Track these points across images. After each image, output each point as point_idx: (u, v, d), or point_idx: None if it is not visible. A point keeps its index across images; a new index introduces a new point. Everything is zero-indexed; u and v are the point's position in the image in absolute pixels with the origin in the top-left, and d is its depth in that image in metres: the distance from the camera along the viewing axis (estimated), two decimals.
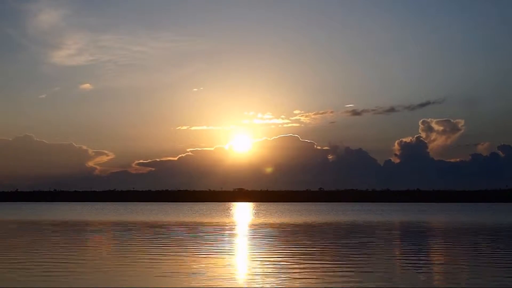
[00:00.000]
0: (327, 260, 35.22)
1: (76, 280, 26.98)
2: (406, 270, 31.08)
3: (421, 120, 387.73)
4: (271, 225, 77.85)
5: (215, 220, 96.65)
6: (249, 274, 29.13)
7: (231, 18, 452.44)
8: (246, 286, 25.17)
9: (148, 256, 37.25)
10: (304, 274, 28.67)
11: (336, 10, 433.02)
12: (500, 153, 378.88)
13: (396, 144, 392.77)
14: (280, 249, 42.79)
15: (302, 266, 32.08)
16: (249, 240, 53.09)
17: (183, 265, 32.52)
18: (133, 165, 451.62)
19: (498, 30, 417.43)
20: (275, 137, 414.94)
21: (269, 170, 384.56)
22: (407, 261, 35.40)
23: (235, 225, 79.23)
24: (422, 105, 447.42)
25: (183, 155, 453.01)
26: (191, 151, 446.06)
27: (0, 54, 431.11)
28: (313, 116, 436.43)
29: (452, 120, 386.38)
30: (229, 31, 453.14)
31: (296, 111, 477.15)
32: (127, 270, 30.33)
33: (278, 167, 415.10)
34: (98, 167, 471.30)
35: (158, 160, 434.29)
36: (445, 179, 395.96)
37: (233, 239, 54.32)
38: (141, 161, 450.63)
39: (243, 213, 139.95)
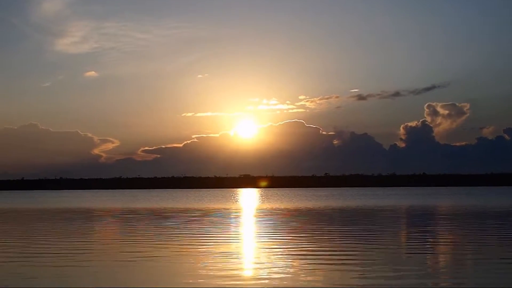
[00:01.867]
0: (333, 246, 35.22)
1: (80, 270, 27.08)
2: (412, 256, 31.05)
3: (426, 104, 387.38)
4: (277, 211, 77.91)
5: (222, 206, 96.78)
6: (256, 263, 29.11)
7: (235, 4, 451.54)
8: (253, 277, 25.15)
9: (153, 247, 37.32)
10: (311, 262, 28.66)
11: None
12: (506, 136, 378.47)
13: (401, 128, 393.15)
14: (287, 234, 42.82)
15: (308, 253, 32.08)
16: (255, 226, 53.16)
17: (189, 252, 32.60)
18: (139, 152, 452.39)
19: (503, 13, 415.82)
20: (281, 123, 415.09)
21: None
22: (414, 247, 35.37)
23: (241, 211, 79.33)
24: (427, 89, 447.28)
25: (188, 141, 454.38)
26: (196, 138, 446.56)
27: (4, 42, 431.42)
28: (318, 101, 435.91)
29: (457, 104, 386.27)
30: (233, 17, 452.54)
31: (302, 97, 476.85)
32: (129, 261, 30.43)
33: (283, 153, 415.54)
34: (103, 154, 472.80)
35: (163, 147, 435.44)
36: (451, 163, 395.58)
37: (240, 225, 54.40)
38: (146, 148, 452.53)
39: (248, 199, 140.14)
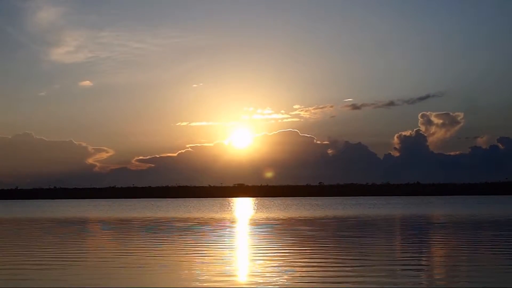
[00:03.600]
0: (327, 255, 35.23)
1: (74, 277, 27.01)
2: (407, 265, 31.06)
3: (420, 114, 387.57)
4: (271, 220, 77.85)
5: (217, 215, 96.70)
6: (251, 272, 29.09)
7: (230, 14, 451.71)
8: (247, 283, 25.14)
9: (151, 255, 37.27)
10: (306, 270, 28.66)
11: (336, 4, 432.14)
12: (500, 145, 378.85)
13: (395, 137, 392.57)
14: (282, 243, 42.80)
15: (303, 261, 32.08)
16: (250, 235, 53.14)
17: (183, 261, 32.57)
18: (133, 161, 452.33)
19: (498, 23, 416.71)
20: (275, 132, 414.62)
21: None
22: (409, 256, 35.42)
23: (236, 220, 79.28)
24: (422, 98, 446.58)
25: (182, 151, 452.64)
26: (191, 147, 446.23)
27: None
28: (313, 111, 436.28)
29: (451, 113, 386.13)
30: (228, 27, 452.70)
31: (296, 106, 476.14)
32: (129, 267, 30.38)
33: (278, 162, 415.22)
34: (98, 164, 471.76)
35: (157, 156, 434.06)
36: (445, 172, 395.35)
37: (234, 234, 54.37)
38: (140, 157, 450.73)
39: (243, 208, 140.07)
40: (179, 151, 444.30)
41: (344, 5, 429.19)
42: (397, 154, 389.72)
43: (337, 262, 31.16)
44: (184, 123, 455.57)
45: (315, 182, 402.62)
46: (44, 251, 39.69)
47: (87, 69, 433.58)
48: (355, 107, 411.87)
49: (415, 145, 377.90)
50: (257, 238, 49.04)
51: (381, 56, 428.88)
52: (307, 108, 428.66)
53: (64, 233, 57.74)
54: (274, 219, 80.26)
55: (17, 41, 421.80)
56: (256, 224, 69.92)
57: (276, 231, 57.32)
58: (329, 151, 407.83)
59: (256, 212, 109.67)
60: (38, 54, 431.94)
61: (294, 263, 30.92)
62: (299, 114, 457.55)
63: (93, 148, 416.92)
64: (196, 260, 33.03)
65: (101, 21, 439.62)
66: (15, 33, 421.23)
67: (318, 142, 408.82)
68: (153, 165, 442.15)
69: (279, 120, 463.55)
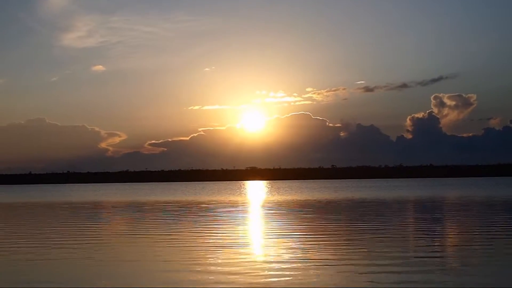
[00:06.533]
0: (341, 239, 35.24)
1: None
2: (419, 249, 31.00)
3: (433, 96, 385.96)
4: (284, 203, 77.94)
5: (230, 198, 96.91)
6: (262, 256, 29.14)
7: None
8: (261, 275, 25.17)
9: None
10: (319, 254, 28.69)
11: None
12: None
13: (408, 120, 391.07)
14: (295, 227, 42.89)
15: (317, 245, 32.11)
16: (264, 219, 53.25)
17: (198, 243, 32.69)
18: (146, 145, 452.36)
19: (510, 4, 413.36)
20: (287, 115, 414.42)
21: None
22: (422, 240, 35.35)
23: (249, 204, 79.40)
24: (434, 80, 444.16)
25: (195, 134, 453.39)
26: (203, 131, 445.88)
27: (11, 38, 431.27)
28: (325, 94, 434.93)
29: (464, 95, 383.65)
30: (240, 10, 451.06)
31: (309, 89, 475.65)
32: (141, 250, 30.52)
33: (290, 145, 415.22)
34: (110, 148, 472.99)
35: (170, 140, 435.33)
36: (458, 154, 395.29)
37: (247, 217, 54.50)
38: (153, 141, 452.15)
39: (256, 191, 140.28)
40: (192, 135, 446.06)
41: None
42: (409, 136, 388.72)
43: (348, 248, 31.16)
44: (196, 107, 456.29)
45: (327, 165, 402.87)
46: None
47: (99, 54, 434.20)
48: (367, 89, 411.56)
49: (427, 127, 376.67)
50: (268, 221, 49.18)
51: (393, 38, 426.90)
52: (319, 91, 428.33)
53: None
54: (287, 202, 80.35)
55: (29, 26, 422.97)
56: (268, 207, 70.08)
57: (287, 214, 57.39)
58: (342, 134, 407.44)
59: (268, 195, 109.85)
60: (49, 40, 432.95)
61: (305, 250, 30.94)
62: (311, 97, 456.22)
63: (105, 133, 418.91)
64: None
65: (112, 6, 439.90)
66: (26, 19, 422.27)
67: (331, 125, 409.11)
68: (165, 149, 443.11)
69: (292, 103, 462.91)
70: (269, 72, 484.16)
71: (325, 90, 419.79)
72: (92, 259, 27.71)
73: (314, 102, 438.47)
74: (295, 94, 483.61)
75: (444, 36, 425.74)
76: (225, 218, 52.75)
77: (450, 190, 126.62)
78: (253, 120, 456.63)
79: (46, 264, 26.76)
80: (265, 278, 22.05)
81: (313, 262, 25.57)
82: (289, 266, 24.66)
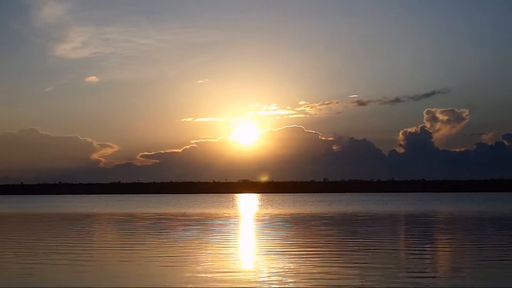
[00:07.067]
0: (331, 252, 35.24)
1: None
2: (411, 263, 31.05)
3: (425, 110, 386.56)
4: (276, 216, 77.87)
5: (221, 211, 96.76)
6: (254, 269, 29.12)
7: (235, 9, 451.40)
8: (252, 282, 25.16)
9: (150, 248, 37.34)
10: (309, 267, 28.68)
11: (342, 0, 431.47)
12: (505, 142, 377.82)
13: (400, 134, 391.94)
14: (286, 240, 42.85)
15: (306, 257, 32.11)
16: (254, 231, 53.18)
17: (189, 256, 32.62)
18: (138, 157, 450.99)
19: (504, 20, 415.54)
20: (280, 128, 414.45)
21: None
22: (412, 254, 35.39)
23: (240, 217, 79.31)
24: (427, 95, 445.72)
25: (187, 146, 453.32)
26: (196, 143, 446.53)
27: (5, 48, 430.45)
28: (318, 107, 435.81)
29: (456, 110, 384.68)
30: (234, 23, 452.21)
31: (302, 102, 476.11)
32: (131, 264, 30.44)
33: (283, 159, 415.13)
34: (102, 159, 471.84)
35: (162, 152, 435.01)
36: (450, 169, 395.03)
37: (238, 230, 54.43)
38: (145, 153, 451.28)
39: (248, 204, 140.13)
40: (184, 147, 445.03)
41: (350, 1, 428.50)
42: (402, 150, 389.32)
43: (341, 259, 31.16)
44: (189, 119, 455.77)
45: (320, 178, 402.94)
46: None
47: (93, 65, 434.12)
48: (360, 103, 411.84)
49: (420, 141, 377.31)
50: (259, 234, 49.13)
51: (387, 52, 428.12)
52: (312, 104, 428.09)
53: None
54: (278, 215, 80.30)
55: (23, 37, 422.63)
56: (260, 220, 70.01)
57: (278, 227, 57.35)
58: (334, 147, 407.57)
59: (260, 208, 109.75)
60: (43, 50, 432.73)
61: (295, 261, 30.94)
62: (304, 110, 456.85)
63: (98, 144, 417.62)
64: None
65: (106, 17, 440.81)
66: (21, 29, 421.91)
67: (323, 138, 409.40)
68: (157, 160, 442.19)
69: (285, 116, 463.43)
70: (262, 85, 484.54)
71: (318, 104, 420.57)
72: (77, 272, 27.66)
73: (307, 116, 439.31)
74: (288, 107, 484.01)
75: (437, 51, 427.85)
76: (215, 232, 52.65)
77: (442, 205, 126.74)
78: (246, 133, 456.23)
79: (32, 275, 26.71)
80: None
81: (302, 276, 25.56)
82: (278, 278, 24.65)
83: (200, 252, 34.94)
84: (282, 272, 26.42)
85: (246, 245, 40.04)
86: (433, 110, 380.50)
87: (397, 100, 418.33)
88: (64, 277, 25.70)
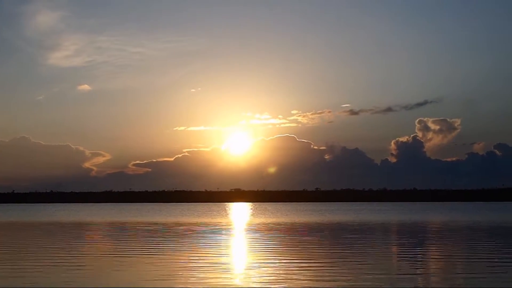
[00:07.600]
0: (322, 261, 35.23)
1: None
2: (402, 270, 31.08)
3: (417, 120, 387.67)
4: (268, 225, 77.83)
5: (213, 220, 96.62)
6: (245, 276, 29.10)
7: (228, 18, 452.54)
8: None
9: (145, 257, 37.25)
10: (300, 275, 28.67)
11: (334, 10, 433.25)
12: (497, 152, 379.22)
13: (392, 143, 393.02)
14: (277, 249, 42.82)
15: (298, 266, 32.09)
16: (246, 240, 53.13)
17: (179, 265, 32.58)
18: (130, 166, 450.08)
19: (498, 31, 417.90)
20: (272, 138, 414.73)
21: (271, 170, 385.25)
22: (404, 262, 35.42)
23: (232, 226, 79.22)
24: (419, 104, 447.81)
25: (179, 155, 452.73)
26: (188, 152, 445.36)
27: None
28: (310, 116, 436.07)
29: (448, 120, 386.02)
30: (226, 31, 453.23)
31: (294, 111, 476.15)
32: (124, 271, 30.37)
33: (275, 168, 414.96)
34: (94, 168, 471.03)
35: (154, 160, 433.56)
36: (442, 178, 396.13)
37: (230, 239, 54.36)
38: (137, 162, 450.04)
39: (240, 213, 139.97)
40: (176, 156, 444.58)
41: (343, 11, 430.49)
42: (394, 160, 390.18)
43: (331, 270, 31.17)
44: (181, 128, 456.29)
45: (312, 187, 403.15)
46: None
47: (85, 73, 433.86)
48: (352, 112, 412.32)
49: (412, 151, 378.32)
50: (251, 243, 49.09)
51: (379, 62, 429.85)
52: (304, 114, 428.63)
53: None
54: (270, 225, 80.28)
55: (15, 45, 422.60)
56: (251, 229, 69.98)
57: (270, 237, 57.32)
58: (326, 157, 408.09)
59: (252, 218, 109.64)
60: (36, 58, 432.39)
61: (288, 272, 30.92)
62: (296, 119, 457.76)
63: (90, 152, 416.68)
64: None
65: (99, 26, 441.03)
66: (13, 38, 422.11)
67: (316, 147, 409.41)
68: (149, 169, 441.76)
69: (277, 125, 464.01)
70: (255, 94, 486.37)
71: (311, 113, 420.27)
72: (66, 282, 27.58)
73: (299, 125, 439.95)
74: (280, 116, 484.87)
75: (429, 61, 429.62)
76: (205, 241, 52.57)
77: (434, 214, 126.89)
78: (238, 142, 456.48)
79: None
80: None
81: (295, 285, 25.55)
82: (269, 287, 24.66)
83: (190, 262, 34.87)
84: (273, 280, 26.39)
85: (237, 255, 39.97)
86: (425, 119, 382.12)
87: (389, 109, 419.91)
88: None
